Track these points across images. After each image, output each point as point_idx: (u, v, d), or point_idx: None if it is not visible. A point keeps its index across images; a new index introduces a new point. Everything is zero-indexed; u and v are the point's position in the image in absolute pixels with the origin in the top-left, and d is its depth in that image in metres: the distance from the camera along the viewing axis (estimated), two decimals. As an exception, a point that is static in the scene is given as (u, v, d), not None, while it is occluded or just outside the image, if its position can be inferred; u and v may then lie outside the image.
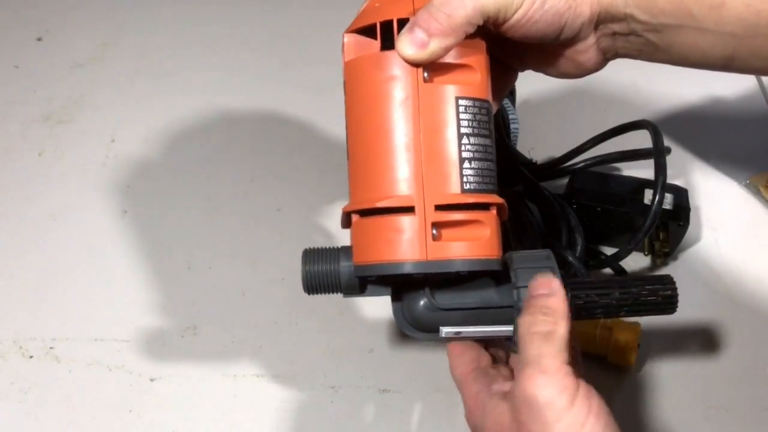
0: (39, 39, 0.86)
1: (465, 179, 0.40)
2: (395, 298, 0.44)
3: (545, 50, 0.44)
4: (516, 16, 0.39)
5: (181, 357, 0.56)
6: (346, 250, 0.43)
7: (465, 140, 0.40)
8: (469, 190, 0.40)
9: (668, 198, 0.58)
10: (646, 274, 0.59)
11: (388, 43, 0.40)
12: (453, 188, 0.40)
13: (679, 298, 0.42)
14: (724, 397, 0.53)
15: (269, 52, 0.84)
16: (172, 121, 0.75)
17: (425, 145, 0.39)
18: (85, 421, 0.52)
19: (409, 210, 0.39)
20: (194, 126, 0.75)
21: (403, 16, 0.40)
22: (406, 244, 0.39)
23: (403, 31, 0.39)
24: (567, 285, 0.39)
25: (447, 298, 0.42)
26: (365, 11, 0.42)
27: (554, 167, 0.61)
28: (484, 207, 0.41)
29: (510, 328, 0.41)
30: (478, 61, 0.41)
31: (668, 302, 0.42)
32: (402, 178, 0.39)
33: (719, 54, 0.41)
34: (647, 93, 0.74)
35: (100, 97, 0.78)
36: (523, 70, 0.48)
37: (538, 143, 0.68)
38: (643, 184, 0.59)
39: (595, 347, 0.53)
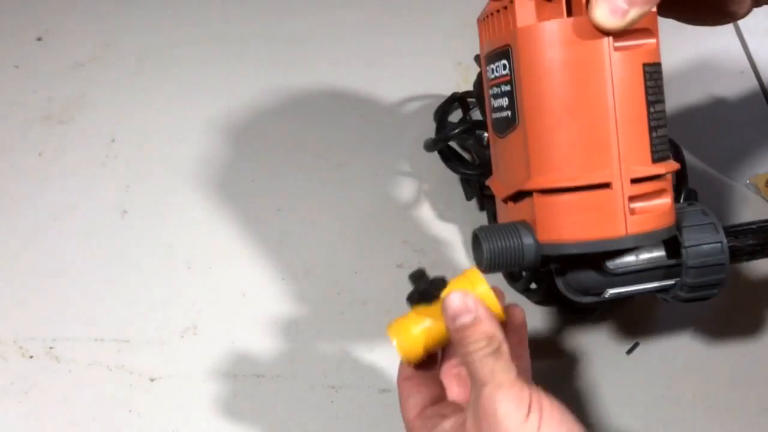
0: (39, 39, 0.86)
1: (654, 148, 0.39)
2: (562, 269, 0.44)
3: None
4: None
5: (181, 357, 0.56)
6: (525, 226, 0.41)
7: (652, 108, 0.39)
8: (657, 159, 0.39)
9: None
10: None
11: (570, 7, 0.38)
12: (645, 160, 0.39)
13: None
14: (724, 397, 0.53)
15: (269, 52, 0.84)
16: (172, 121, 0.75)
17: (620, 117, 0.38)
18: (85, 421, 0.52)
19: (605, 186, 0.38)
20: (193, 126, 0.75)
21: None
22: (604, 221, 0.38)
23: None
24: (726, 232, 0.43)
25: (619, 263, 0.43)
26: None
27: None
28: (665, 174, 0.40)
29: (671, 282, 0.43)
30: (655, 22, 0.39)
31: None
32: (596, 153, 0.38)
33: None
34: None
35: (100, 97, 0.78)
36: None
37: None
38: None
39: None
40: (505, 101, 0.41)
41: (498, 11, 0.40)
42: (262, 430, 0.52)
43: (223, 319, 0.58)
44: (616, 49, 0.37)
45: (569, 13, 0.38)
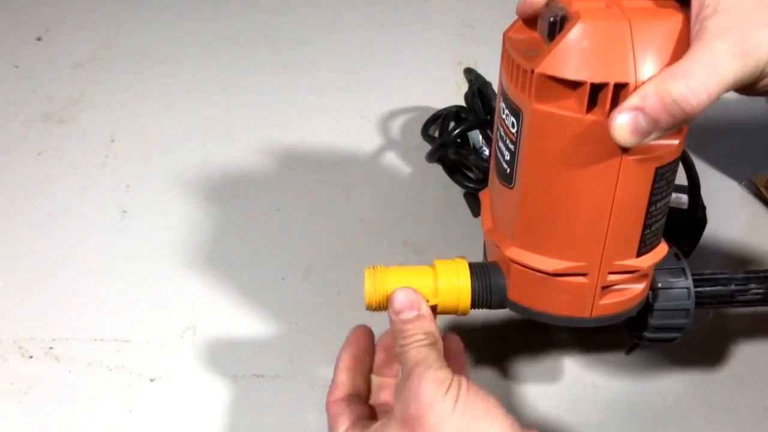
0: (39, 39, 0.86)
1: (642, 243, 0.39)
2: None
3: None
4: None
5: (181, 357, 0.56)
6: (497, 273, 0.42)
7: (653, 207, 0.38)
8: (643, 253, 0.39)
9: (683, 198, 0.58)
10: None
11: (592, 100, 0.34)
12: (630, 254, 0.39)
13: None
14: (724, 397, 0.53)
15: (269, 52, 0.84)
16: (172, 121, 0.75)
17: (614, 219, 0.37)
18: (85, 421, 0.52)
19: (581, 274, 0.39)
20: (194, 126, 0.75)
21: (622, 80, 0.33)
22: (572, 302, 0.39)
23: (623, 112, 0.33)
24: (696, 281, 0.44)
25: None
26: (566, 48, 0.33)
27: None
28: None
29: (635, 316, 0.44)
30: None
31: None
32: (581, 246, 0.38)
33: None
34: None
35: (100, 97, 0.78)
36: None
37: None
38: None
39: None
40: (507, 155, 0.39)
41: (519, 66, 0.35)
42: (262, 430, 0.52)
43: (223, 319, 0.58)
44: (631, 153, 0.35)
45: (589, 109, 0.34)
